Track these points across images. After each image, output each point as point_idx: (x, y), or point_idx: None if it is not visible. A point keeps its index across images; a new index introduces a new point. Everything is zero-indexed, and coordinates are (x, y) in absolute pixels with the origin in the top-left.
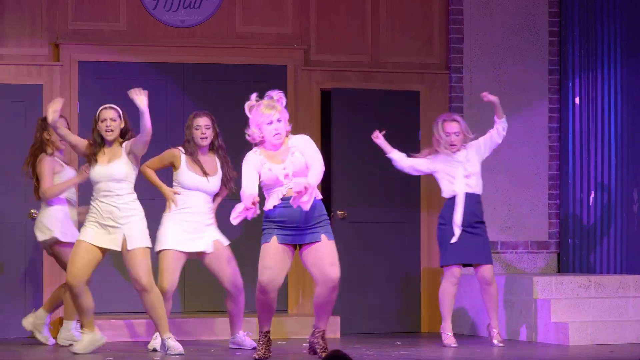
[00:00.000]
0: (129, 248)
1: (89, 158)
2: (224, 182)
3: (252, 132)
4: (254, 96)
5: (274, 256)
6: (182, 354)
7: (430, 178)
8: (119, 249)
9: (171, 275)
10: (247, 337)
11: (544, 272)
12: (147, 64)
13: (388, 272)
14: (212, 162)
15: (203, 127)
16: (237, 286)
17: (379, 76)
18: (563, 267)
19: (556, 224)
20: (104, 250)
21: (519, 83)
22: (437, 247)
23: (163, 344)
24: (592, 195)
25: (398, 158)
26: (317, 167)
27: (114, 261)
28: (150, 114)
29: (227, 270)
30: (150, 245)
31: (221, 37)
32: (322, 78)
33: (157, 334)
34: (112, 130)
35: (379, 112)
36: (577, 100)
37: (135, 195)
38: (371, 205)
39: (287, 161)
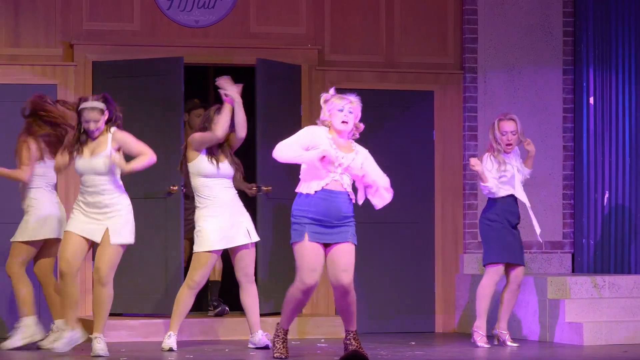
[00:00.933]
0: (111, 242)
1: (71, 150)
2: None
3: (323, 118)
4: (332, 90)
5: (316, 258)
6: (103, 356)
7: (445, 177)
8: (99, 241)
9: (205, 271)
10: (264, 337)
11: (558, 272)
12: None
13: (402, 272)
14: (223, 150)
15: None
16: (247, 275)
17: (393, 76)
18: (577, 267)
19: (570, 224)
20: (89, 240)
21: (533, 83)
22: (451, 247)
23: (93, 344)
24: (607, 195)
25: (493, 185)
26: (385, 180)
27: (128, 260)
28: (167, 113)
29: (243, 260)
30: (131, 241)
31: (235, 38)
32: (337, 78)
33: (170, 333)
34: (97, 129)
35: (393, 112)
36: (591, 100)
37: (121, 188)
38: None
39: (348, 155)
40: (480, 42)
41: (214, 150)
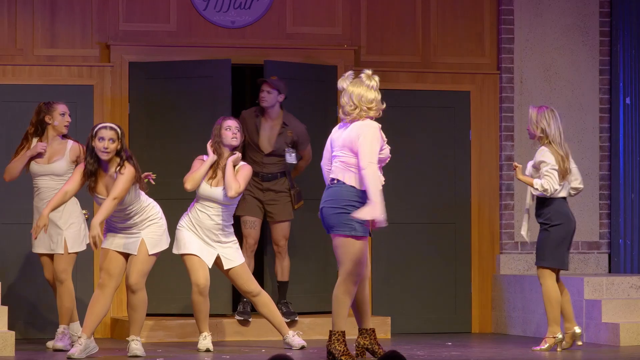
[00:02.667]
0: (150, 253)
1: (90, 186)
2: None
3: (376, 106)
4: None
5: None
6: (140, 356)
7: (482, 178)
8: (135, 252)
9: (202, 271)
10: (296, 336)
11: (594, 272)
12: (196, 62)
13: (438, 272)
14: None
15: (234, 127)
16: (249, 292)
17: (430, 77)
18: (614, 267)
19: (607, 224)
20: (125, 255)
21: (570, 83)
22: (488, 248)
23: (130, 345)
24: None
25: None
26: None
27: (166, 262)
28: (202, 114)
29: (239, 279)
30: (165, 247)
31: (271, 38)
32: None
33: (204, 334)
34: (108, 152)
35: (429, 112)
36: (627, 100)
37: (147, 200)
38: (421, 205)
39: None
40: (516, 42)
41: (215, 168)
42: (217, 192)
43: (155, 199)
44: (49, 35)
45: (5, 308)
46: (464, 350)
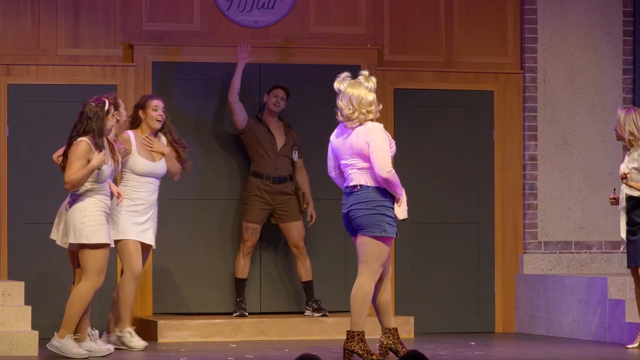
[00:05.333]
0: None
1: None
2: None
3: (375, 109)
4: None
5: None
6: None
7: (505, 177)
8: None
9: (137, 259)
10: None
11: (618, 272)
12: (220, 65)
13: (462, 272)
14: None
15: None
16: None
17: (453, 76)
18: None
19: None
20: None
21: (593, 83)
22: (511, 247)
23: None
24: None
25: None
26: None
27: (189, 262)
28: (227, 116)
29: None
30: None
31: (295, 38)
32: (396, 78)
33: (129, 330)
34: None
35: (452, 112)
36: None
37: None
38: (444, 204)
39: None
40: (539, 41)
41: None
42: (159, 164)
43: (173, 199)
44: (72, 35)
45: (29, 307)
46: (487, 350)
